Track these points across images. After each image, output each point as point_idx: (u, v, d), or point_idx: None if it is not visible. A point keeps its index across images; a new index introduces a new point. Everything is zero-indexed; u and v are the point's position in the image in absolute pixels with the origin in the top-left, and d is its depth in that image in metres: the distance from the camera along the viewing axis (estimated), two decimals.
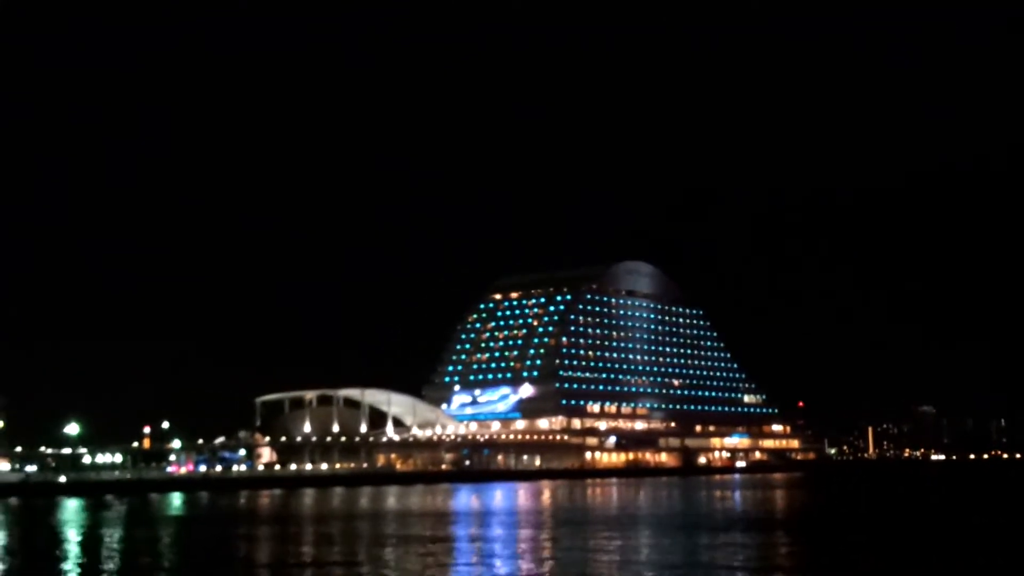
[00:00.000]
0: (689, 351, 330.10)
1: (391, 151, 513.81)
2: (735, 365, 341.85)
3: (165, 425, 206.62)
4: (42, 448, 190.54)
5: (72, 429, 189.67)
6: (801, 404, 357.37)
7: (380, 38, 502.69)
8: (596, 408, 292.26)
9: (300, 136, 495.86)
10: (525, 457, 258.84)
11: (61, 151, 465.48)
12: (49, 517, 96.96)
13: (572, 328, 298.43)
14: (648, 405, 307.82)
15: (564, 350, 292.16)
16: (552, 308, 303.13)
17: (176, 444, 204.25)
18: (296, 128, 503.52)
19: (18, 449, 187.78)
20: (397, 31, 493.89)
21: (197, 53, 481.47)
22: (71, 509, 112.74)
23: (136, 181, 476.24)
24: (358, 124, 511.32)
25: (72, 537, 72.18)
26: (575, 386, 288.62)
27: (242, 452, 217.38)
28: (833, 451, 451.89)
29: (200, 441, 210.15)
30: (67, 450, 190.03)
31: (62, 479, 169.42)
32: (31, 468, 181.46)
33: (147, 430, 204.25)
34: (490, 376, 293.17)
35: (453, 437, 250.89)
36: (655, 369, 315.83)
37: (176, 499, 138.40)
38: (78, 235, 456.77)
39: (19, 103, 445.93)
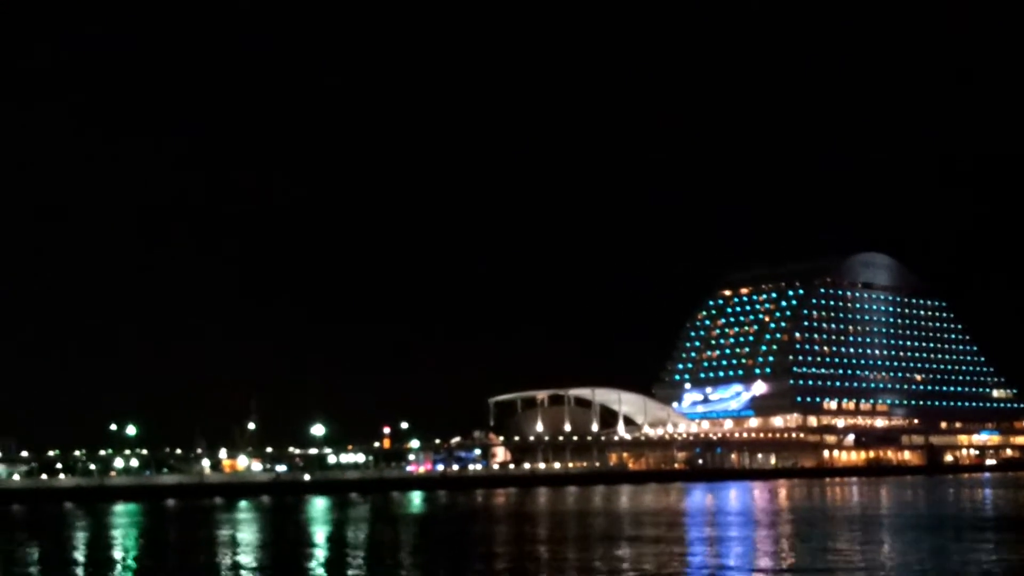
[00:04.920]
0: (931, 344, 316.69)
1: (620, 147, 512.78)
2: (982, 359, 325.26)
3: (404, 425, 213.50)
4: (290, 448, 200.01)
5: (318, 430, 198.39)
6: None
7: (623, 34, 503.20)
8: (833, 405, 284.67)
9: (540, 132, 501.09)
10: (759, 456, 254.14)
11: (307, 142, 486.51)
12: (298, 515, 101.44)
13: (806, 323, 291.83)
14: (888, 401, 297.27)
15: (798, 345, 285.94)
16: (784, 303, 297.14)
17: (415, 444, 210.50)
18: (530, 124, 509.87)
19: (269, 450, 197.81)
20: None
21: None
22: (318, 507, 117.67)
23: (384, 168, 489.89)
24: (589, 118, 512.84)
25: (320, 534, 75.23)
26: (810, 382, 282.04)
27: (477, 451, 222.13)
28: None
29: (437, 441, 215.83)
30: (313, 450, 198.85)
31: (308, 478, 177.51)
32: (281, 468, 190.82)
33: (387, 430, 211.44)
34: (721, 373, 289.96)
35: (685, 435, 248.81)
36: (895, 364, 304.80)
37: (416, 498, 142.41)
38: (326, 241, 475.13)
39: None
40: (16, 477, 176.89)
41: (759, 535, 65.73)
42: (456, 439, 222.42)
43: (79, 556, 59.87)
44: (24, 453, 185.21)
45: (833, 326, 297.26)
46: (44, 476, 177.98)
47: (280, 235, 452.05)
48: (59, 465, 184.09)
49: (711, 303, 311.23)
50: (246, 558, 56.49)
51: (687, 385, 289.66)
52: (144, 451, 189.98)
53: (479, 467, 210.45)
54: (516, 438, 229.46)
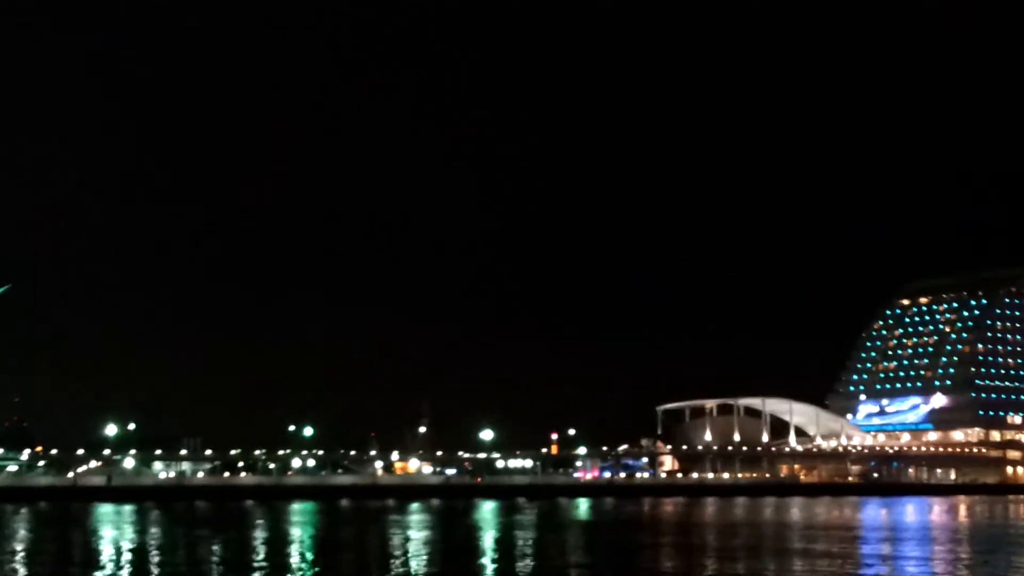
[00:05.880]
0: None
1: (789, 146, 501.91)
2: None
3: (572, 432, 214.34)
4: (460, 452, 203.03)
5: (487, 435, 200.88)
6: None
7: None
8: (1018, 419, 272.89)
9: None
10: (938, 471, 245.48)
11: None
12: (467, 518, 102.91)
13: (989, 333, 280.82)
14: None
15: (981, 357, 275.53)
16: (966, 312, 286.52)
17: (582, 450, 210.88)
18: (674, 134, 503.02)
19: (439, 453, 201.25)
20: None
21: None
22: (486, 510, 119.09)
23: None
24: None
25: (489, 538, 76.22)
26: (994, 396, 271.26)
27: (644, 460, 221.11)
28: None
29: (604, 448, 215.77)
30: (482, 454, 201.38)
31: (478, 482, 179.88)
32: (450, 471, 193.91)
33: (555, 436, 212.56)
34: (898, 385, 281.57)
35: (859, 448, 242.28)
36: None
37: (583, 504, 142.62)
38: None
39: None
40: (201, 475, 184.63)
41: (937, 554, 63.57)
42: (623, 446, 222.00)
43: (260, 551, 62.27)
44: (208, 452, 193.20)
45: (1019, 337, 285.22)
46: (227, 474, 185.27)
47: (453, 243, 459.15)
48: (240, 464, 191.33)
49: (889, 313, 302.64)
50: (419, 559, 57.76)
51: (862, 396, 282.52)
52: (320, 452, 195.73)
53: (646, 475, 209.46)
54: (684, 447, 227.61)
